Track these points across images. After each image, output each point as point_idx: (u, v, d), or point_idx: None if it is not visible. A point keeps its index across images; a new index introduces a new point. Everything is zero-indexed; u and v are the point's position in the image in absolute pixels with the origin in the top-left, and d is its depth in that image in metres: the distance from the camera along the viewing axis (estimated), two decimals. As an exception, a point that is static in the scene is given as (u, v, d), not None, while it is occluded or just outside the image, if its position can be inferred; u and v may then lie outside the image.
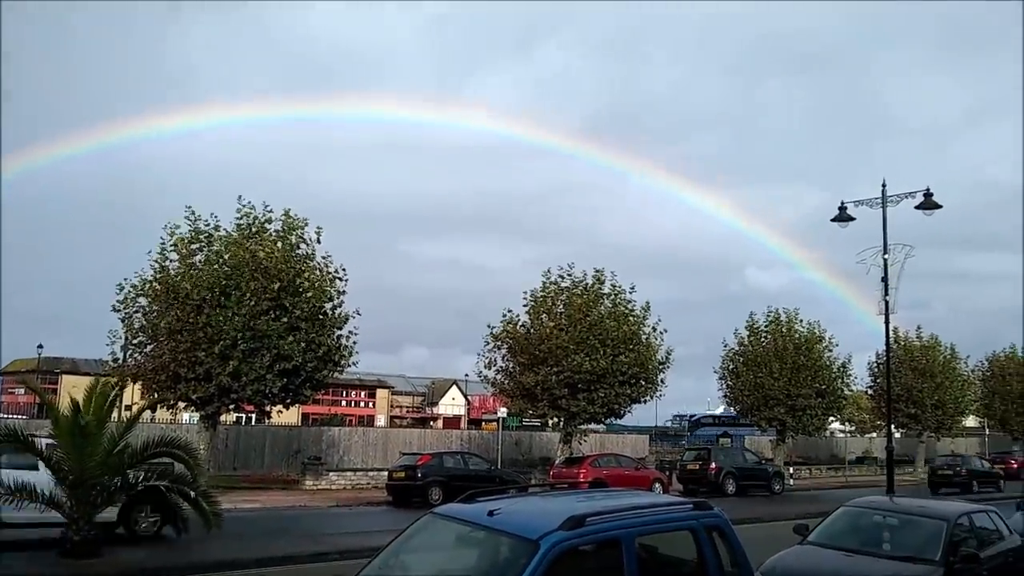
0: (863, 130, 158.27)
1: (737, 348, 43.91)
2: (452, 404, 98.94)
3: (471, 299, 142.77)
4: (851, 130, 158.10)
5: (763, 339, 43.23)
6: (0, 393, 76.54)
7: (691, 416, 76.23)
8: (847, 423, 78.42)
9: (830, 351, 43.56)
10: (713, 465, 34.52)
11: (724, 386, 44.66)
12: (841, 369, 44.00)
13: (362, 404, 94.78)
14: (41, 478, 13.47)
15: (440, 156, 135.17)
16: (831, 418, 50.68)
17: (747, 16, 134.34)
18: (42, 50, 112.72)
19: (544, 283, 35.55)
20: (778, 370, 41.64)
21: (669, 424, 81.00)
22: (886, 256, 24.00)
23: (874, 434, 71.42)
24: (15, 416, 41.92)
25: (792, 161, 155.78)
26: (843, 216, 25.17)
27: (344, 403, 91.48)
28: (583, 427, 37.50)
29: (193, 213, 27.77)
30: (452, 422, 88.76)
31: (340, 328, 29.02)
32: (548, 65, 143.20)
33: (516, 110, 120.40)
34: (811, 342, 42.78)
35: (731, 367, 43.99)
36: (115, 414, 16.06)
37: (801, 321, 43.40)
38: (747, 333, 43.80)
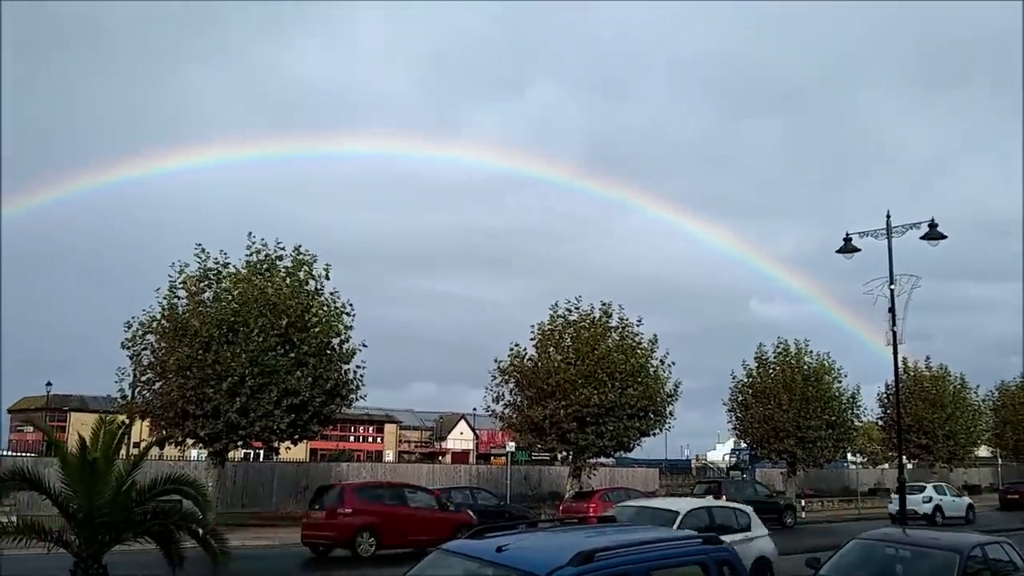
0: (858, 164, 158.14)
1: (746, 380, 43.76)
2: (460, 438, 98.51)
3: (473, 333, 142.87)
4: (846, 164, 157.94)
5: (772, 371, 43.08)
6: (8, 431, 76.79)
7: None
8: (858, 455, 77.88)
9: (839, 382, 43.40)
10: (724, 498, 34.24)
11: (733, 418, 44.49)
12: (851, 400, 43.79)
13: (370, 439, 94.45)
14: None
15: (439, 192, 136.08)
16: (842, 449, 50.38)
17: (736, 55, 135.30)
18: (40, 90, 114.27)
19: (551, 316, 35.51)
20: (787, 402, 41.45)
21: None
22: (892, 287, 23.96)
23: (886, 465, 70.88)
24: (23, 454, 41.94)
25: (789, 195, 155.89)
26: (848, 248, 25.14)
27: (352, 438, 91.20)
28: (592, 461, 37.30)
29: (204, 251, 27.96)
30: (460, 456, 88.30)
31: (347, 362, 29.05)
32: (540, 102, 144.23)
33: (512, 146, 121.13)
34: (820, 373, 42.60)
35: (740, 399, 43.82)
36: (123, 451, 16.05)
37: (810, 352, 43.29)
38: (756, 365, 43.67)
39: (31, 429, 72.13)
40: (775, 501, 37.12)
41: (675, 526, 13.96)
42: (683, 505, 16.60)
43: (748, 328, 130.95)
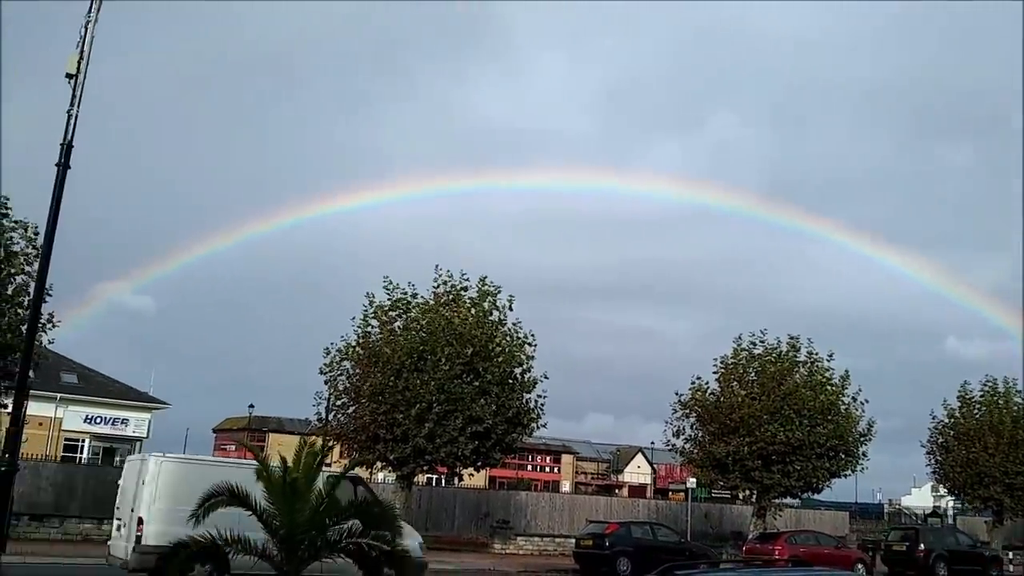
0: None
1: (947, 421, 41.11)
2: (637, 472, 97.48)
3: (650, 366, 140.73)
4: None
5: (976, 411, 40.30)
6: (213, 449, 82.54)
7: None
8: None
9: (1054, 426, 40.02)
10: (922, 547, 32.43)
11: (932, 461, 41.84)
12: (1067, 446, 40.29)
13: (547, 469, 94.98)
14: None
15: (616, 226, 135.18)
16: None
17: (923, 76, 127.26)
18: (241, 133, 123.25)
19: (735, 350, 34.69)
20: (993, 445, 38.63)
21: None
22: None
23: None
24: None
25: (988, 224, 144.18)
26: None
27: (530, 467, 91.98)
28: (777, 501, 36.06)
29: (391, 283, 29.18)
30: (637, 490, 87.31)
31: (529, 392, 29.42)
32: (719, 134, 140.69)
33: (690, 178, 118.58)
34: (1031, 415, 39.48)
35: (940, 441, 41.19)
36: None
37: (1020, 392, 40.20)
38: (959, 404, 40.97)
39: (233, 447, 77.22)
40: (979, 552, 34.88)
41: None
42: None
43: (945, 366, 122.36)
